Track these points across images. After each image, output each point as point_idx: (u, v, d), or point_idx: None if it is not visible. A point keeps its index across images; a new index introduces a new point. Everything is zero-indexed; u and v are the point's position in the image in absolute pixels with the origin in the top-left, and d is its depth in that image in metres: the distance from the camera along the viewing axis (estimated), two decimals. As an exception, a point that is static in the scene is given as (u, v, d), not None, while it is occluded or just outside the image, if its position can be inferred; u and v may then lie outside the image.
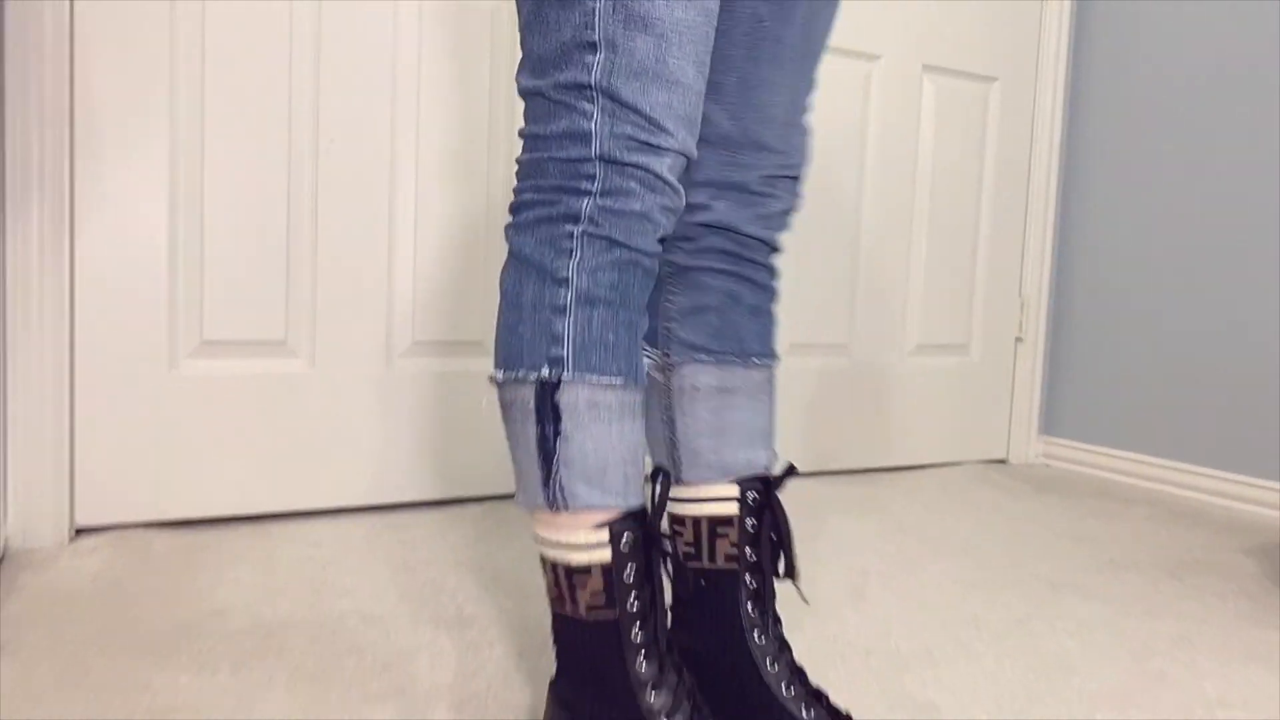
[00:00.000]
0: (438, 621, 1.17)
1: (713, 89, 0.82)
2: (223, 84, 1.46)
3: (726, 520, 0.83)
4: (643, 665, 0.71)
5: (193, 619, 1.14)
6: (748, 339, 0.87)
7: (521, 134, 0.74)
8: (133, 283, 1.42)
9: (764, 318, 0.89)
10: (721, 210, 0.83)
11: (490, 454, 1.72)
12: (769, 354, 0.89)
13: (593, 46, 0.69)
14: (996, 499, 1.97)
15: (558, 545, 0.72)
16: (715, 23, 0.75)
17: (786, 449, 2.03)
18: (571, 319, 0.71)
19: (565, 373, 0.71)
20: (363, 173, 1.57)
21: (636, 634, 0.71)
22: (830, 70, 2.02)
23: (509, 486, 1.74)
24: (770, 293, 0.90)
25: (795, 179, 0.88)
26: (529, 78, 0.72)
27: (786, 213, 0.88)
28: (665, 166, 0.72)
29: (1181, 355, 2.09)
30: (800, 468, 2.06)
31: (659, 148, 0.71)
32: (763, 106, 0.83)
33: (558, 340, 0.71)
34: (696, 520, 0.84)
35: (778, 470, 0.86)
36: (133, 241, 1.42)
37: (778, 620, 0.84)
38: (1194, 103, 2.06)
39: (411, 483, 1.66)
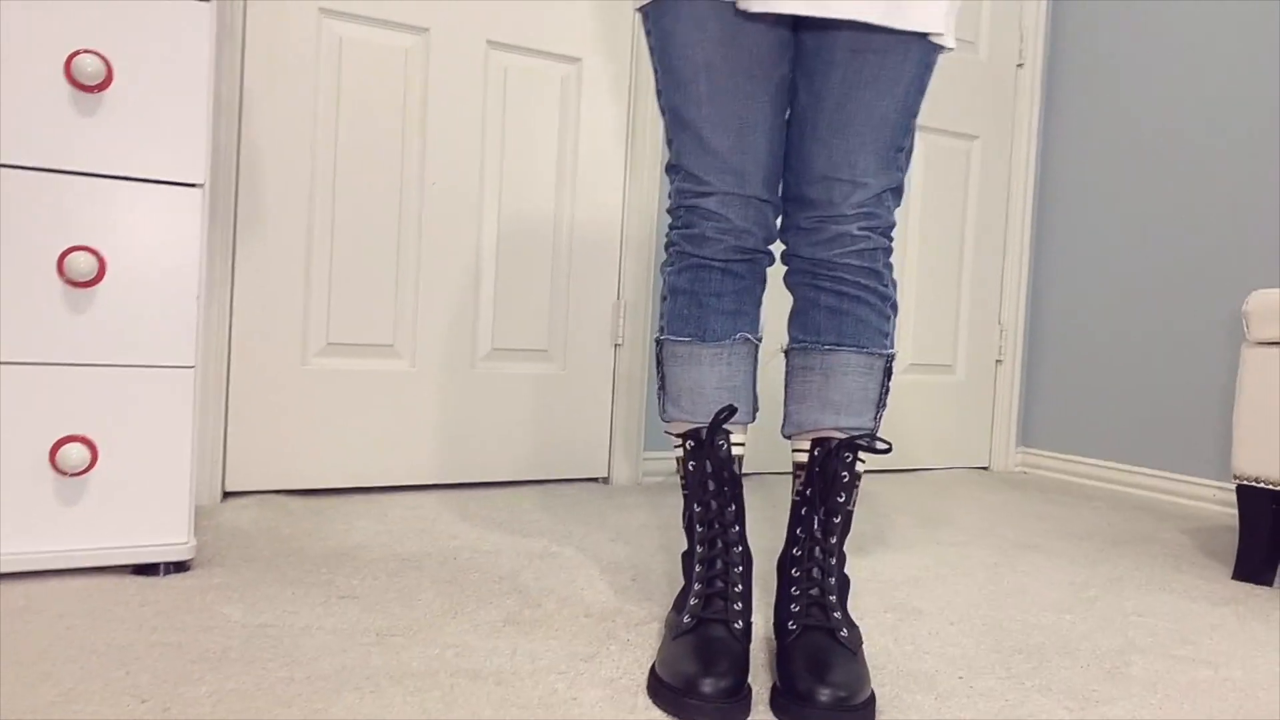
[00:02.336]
0: (530, 554, 1.50)
1: (786, 167, 1.17)
2: (350, 140, 1.82)
3: (801, 465, 1.15)
4: (697, 526, 1.10)
5: (342, 549, 1.47)
6: (824, 332, 1.14)
7: None
8: (275, 295, 1.77)
9: (842, 316, 1.13)
10: (791, 244, 1.17)
11: (551, 445, 2.05)
12: (841, 344, 1.13)
13: (670, 142, 1.17)
14: (976, 493, 2.30)
15: (673, 442, 1.16)
16: (755, 110, 1.11)
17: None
18: (668, 302, 1.18)
19: (663, 335, 1.18)
20: (456, 212, 1.93)
21: (696, 506, 1.10)
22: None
23: (564, 473, 2.08)
24: (850, 299, 1.13)
25: (840, 217, 1.12)
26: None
27: (842, 237, 1.12)
28: (714, 203, 1.12)
29: (1139, 375, 2.43)
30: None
31: (705, 193, 1.13)
32: (804, 169, 1.13)
33: (663, 315, 1.19)
34: (794, 461, 1.17)
35: (854, 435, 1.12)
36: (277, 263, 1.77)
37: (826, 535, 1.12)
38: (1150, 158, 2.43)
39: (491, 464, 1.99)
